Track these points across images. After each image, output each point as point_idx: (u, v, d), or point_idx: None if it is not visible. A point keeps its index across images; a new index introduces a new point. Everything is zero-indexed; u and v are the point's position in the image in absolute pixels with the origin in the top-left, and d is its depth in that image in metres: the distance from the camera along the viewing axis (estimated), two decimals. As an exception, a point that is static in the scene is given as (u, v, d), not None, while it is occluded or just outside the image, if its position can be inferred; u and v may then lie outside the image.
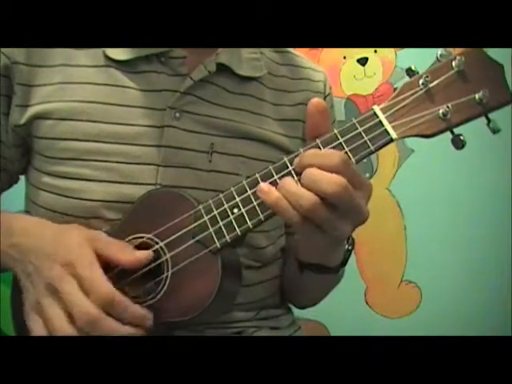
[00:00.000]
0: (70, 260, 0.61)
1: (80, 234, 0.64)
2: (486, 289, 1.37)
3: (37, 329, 0.61)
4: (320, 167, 0.56)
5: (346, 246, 0.72)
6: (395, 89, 1.55)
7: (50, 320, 0.59)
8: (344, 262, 0.72)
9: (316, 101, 0.60)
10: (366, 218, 0.58)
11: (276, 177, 0.60)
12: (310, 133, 0.61)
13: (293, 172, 0.59)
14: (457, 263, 1.39)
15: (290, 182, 0.57)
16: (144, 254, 0.63)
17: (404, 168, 1.43)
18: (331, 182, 0.55)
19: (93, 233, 0.65)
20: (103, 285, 0.59)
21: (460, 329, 1.35)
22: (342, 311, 1.38)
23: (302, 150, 0.60)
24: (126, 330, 0.59)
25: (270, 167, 0.60)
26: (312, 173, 0.56)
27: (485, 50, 0.59)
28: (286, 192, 0.56)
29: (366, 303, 1.44)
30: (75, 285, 0.59)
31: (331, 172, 0.55)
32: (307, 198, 0.55)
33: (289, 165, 0.60)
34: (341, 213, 0.56)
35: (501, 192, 1.36)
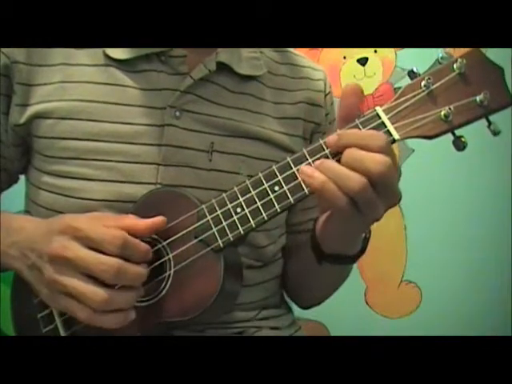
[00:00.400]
0: (66, 226, 0.60)
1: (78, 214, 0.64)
2: (486, 289, 1.37)
3: (70, 308, 0.59)
4: (363, 147, 0.55)
5: (364, 234, 0.71)
6: (395, 89, 1.55)
7: (74, 290, 0.58)
8: (362, 250, 0.71)
9: (353, 84, 0.59)
10: (400, 199, 0.58)
11: (280, 177, 0.60)
12: (342, 115, 0.60)
13: (296, 172, 0.59)
14: (457, 263, 1.39)
15: (334, 164, 0.56)
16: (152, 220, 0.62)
17: (404, 168, 1.42)
18: (377, 161, 0.54)
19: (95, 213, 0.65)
20: (111, 230, 0.59)
21: (460, 329, 1.35)
22: (342, 311, 1.38)
23: (305, 150, 0.60)
24: (145, 272, 0.60)
25: (274, 167, 0.61)
26: (354, 152, 0.55)
27: (484, 51, 0.60)
28: (332, 174, 0.55)
29: (366, 303, 1.44)
30: (80, 246, 0.59)
31: (375, 153, 0.55)
32: (356, 179, 0.54)
33: (292, 165, 0.60)
34: (382, 194, 0.56)
35: (501, 192, 1.36)
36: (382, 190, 0.56)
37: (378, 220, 0.60)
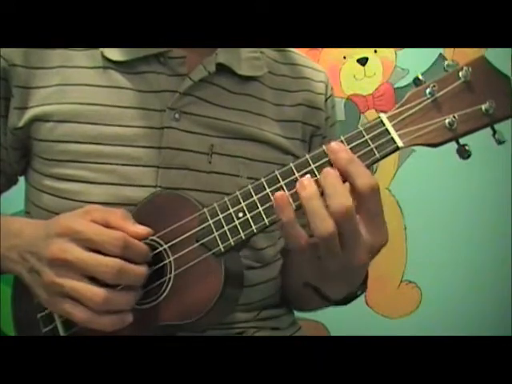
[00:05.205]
0: (65, 228, 0.59)
1: (72, 212, 0.63)
2: (486, 289, 1.37)
3: (70, 310, 0.58)
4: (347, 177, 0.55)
5: (356, 290, 0.69)
6: (395, 89, 1.55)
7: (74, 292, 0.58)
8: (345, 302, 0.70)
9: None
10: (387, 240, 0.57)
11: (282, 183, 0.59)
12: None
13: (299, 178, 0.59)
14: (457, 263, 1.39)
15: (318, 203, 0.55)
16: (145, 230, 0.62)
17: (404, 168, 1.42)
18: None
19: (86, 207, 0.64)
20: (111, 231, 0.59)
21: (460, 329, 1.35)
22: (342, 311, 1.37)
23: (307, 156, 0.59)
24: (145, 271, 0.60)
25: (276, 172, 0.60)
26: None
27: (484, 51, 0.59)
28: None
29: (366, 303, 1.44)
30: (79, 248, 0.58)
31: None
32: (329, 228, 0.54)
33: (295, 171, 0.59)
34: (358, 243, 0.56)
35: (501, 192, 1.36)
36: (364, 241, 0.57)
37: (366, 264, 0.60)
